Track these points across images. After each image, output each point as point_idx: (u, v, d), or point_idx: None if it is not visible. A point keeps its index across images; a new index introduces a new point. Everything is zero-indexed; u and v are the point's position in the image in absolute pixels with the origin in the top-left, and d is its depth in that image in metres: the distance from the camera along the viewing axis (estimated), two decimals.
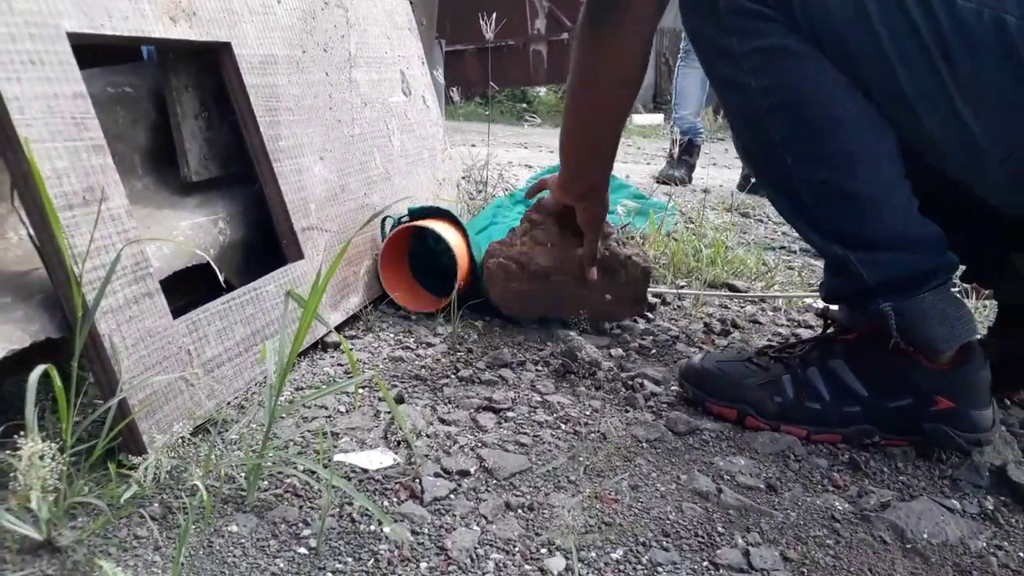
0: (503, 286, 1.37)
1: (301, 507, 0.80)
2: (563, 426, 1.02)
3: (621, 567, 0.75)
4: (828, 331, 1.12)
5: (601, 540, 0.78)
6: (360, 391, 1.08)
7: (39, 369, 0.68)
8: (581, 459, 0.94)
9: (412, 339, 1.31)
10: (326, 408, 1.02)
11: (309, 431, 0.95)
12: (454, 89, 4.13)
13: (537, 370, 1.20)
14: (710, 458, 0.97)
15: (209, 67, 1.17)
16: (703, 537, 0.81)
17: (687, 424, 1.04)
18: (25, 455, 0.64)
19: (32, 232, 0.78)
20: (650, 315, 1.52)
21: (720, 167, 4.50)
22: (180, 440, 0.82)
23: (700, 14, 0.98)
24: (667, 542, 0.79)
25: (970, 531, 0.86)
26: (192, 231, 1.10)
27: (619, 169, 3.94)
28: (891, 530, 0.85)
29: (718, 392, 1.08)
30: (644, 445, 0.99)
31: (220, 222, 1.17)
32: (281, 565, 0.71)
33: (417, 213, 1.44)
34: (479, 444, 0.96)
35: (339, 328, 1.31)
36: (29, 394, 0.68)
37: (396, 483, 0.86)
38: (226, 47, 1.12)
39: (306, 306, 0.77)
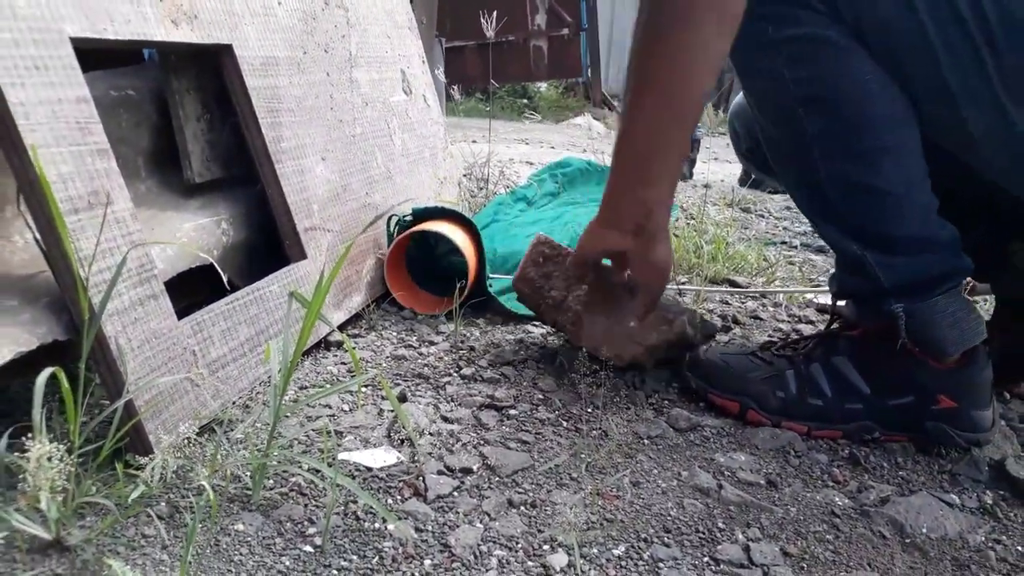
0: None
1: (306, 505, 0.81)
2: (565, 423, 1.03)
3: (623, 563, 0.75)
4: (832, 326, 1.13)
5: (603, 536, 0.79)
6: (363, 389, 1.09)
7: (47, 372, 0.69)
8: (583, 456, 0.95)
9: (414, 337, 1.31)
10: (330, 407, 1.03)
11: (313, 430, 0.96)
12: (455, 87, 4.13)
13: (539, 368, 1.21)
14: (711, 454, 0.98)
15: (210, 69, 1.18)
16: (704, 533, 0.82)
17: (688, 420, 1.04)
18: (34, 456, 0.65)
19: (38, 236, 0.79)
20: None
21: (721, 161, 4.50)
22: (186, 440, 0.83)
23: None
24: (668, 538, 0.80)
25: (969, 525, 0.86)
26: (195, 232, 1.11)
27: None
28: (890, 525, 0.85)
29: (722, 384, 1.09)
30: (645, 442, 1.00)
31: (223, 223, 1.18)
32: (287, 563, 0.72)
33: (421, 214, 1.45)
34: (482, 442, 0.97)
35: (342, 327, 1.32)
36: (36, 396, 0.69)
37: (400, 481, 0.86)
38: (227, 49, 1.13)
39: (310, 308, 0.78)
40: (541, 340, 1.32)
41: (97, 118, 0.86)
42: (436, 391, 1.11)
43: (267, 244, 1.26)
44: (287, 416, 0.99)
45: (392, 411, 1.02)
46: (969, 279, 1.48)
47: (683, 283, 1.74)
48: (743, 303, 1.66)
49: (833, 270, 1.09)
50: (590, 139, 5.38)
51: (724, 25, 0.89)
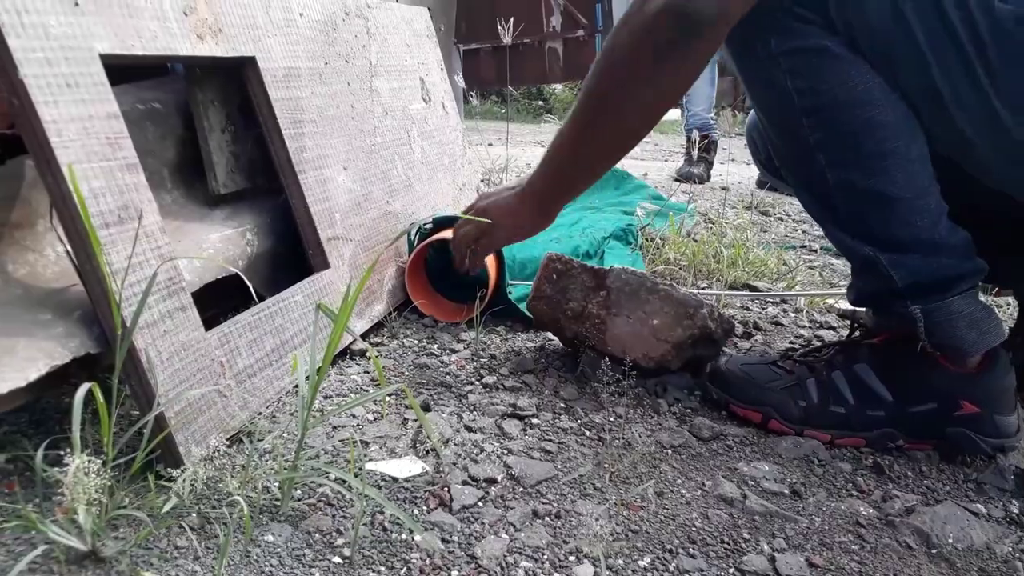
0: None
1: (334, 516, 0.82)
2: (587, 432, 1.04)
3: (649, 574, 0.76)
4: (853, 335, 1.13)
5: (628, 548, 0.80)
6: (387, 399, 1.10)
7: (84, 387, 0.70)
8: (606, 466, 0.95)
9: (436, 346, 1.32)
10: (355, 416, 1.04)
11: (340, 440, 0.97)
12: (472, 93, 4.14)
13: (560, 376, 1.21)
14: (734, 463, 0.98)
15: (234, 81, 1.19)
16: (729, 543, 0.82)
17: (711, 430, 1.05)
18: (72, 470, 0.67)
19: (70, 251, 0.81)
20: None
21: (739, 163, 4.48)
22: (215, 451, 0.85)
23: None
24: (694, 549, 0.80)
25: (995, 535, 0.86)
26: (221, 243, 1.13)
27: (637, 167, 3.94)
28: (916, 535, 0.85)
29: (743, 395, 1.09)
30: (669, 451, 1.00)
31: (248, 234, 1.19)
32: (317, 574, 0.73)
33: (442, 222, 1.46)
34: (505, 451, 0.97)
35: (364, 335, 1.33)
36: (75, 412, 0.70)
37: (425, 491, 0.87)
38: (251, 62, 1.14)
39: (336, 321, 0.79)
40: (561, 349, 1.32)
41: (126, 133, 0.87)
42: (459, 400, 1.12)
43: (290, 253, 1.27)
44: (313, 426, 0.99)
45: (416, 420, 1.03)
46: (995, 287, 1.47)
47: (703, 288, 1.74)
48: (763, 309, 1.66)
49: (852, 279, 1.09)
50: None
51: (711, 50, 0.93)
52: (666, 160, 4.64)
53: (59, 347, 0.81)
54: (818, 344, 1.30)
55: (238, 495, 0.76)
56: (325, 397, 1.10)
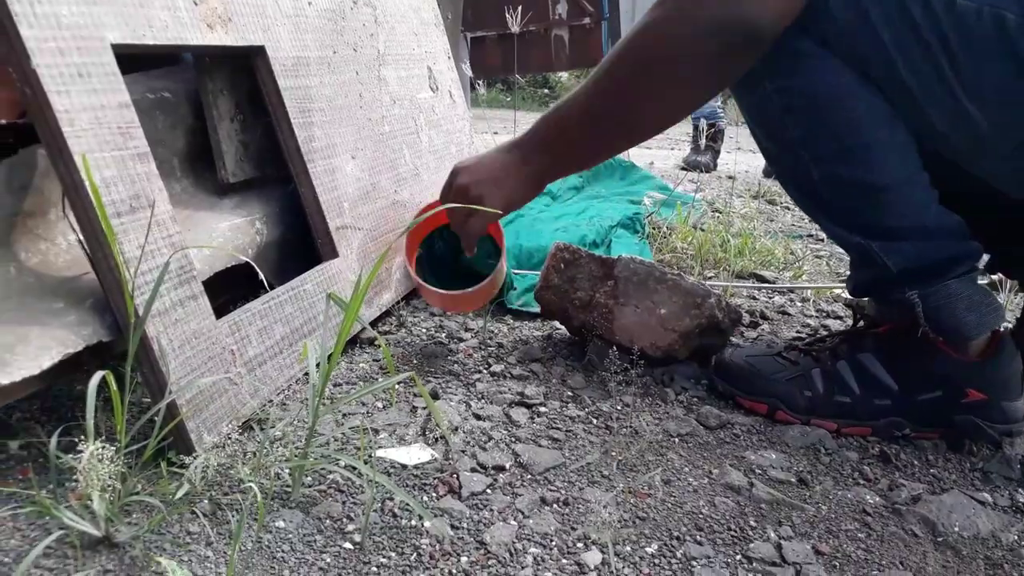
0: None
1: (344, 502, 0.82)
2: (595, 421, 1.04)
3: (656, 561, 0.77)
4: (858, 324, 1.13)
5: (636, 535, 0.80)
6: (396, 387, 1.11)
7: (98, 375, 0.71)
8: (614, 454, 0.96)
9: (444, 334, 1.33)
10: (364, 404, 1.05)
11: (350, 428, 0.98)
12: (479, 81, 4.13)
13: (567, 365, 1.22)
14: (741, 452, 0.99)
15: (242, 70, 1.19)
16: (736, 531, 0.82)
17: (718, 418, 1.05)
18: (85, 456, 0.67)
19: (83, 240, 0.81)
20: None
21: (745, 151, 4.47)
22: (227, 438, 0.85)
23: None
24: (700, 536, 0.81)
25: (1001, 524, 0.86)
26: (231, 232, 1.13)
27: (644, 155, 3.94)
28: (922, 523, 0.86)
29: (749, 387, 1.10)
30: (676, 440, 1.01)
31: (257, 222, 1.19)
32: (328, 560, 0.73)
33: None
34: (513, 439, 0.98)
35: (372, 324, 1.34)
36: (89, 400, 0.71)
37: (434, 478, 0.88)
38: (260, 51, 1.14)
39: (347, 311, 0.80)
40: (569, 338, 1.33)
41: (138, 123, 0.88)
42: (467, 388, 1.13)
43: (299, 242, 1.27)
44: (323, 414, 1.00)
45: (425, 408, 1.04)
46: (1001, 275, 1.47)
47: (710, 278, 1.74)
48: (770, 298, 1.66)
49: None
50: None
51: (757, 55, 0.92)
52: (672, 148, 4.63)
53: (72, 335, 0.82)
54: (823, 334, 1.30)
55: (250, 481, 0.77)
56: (335, 385, 1.11)
